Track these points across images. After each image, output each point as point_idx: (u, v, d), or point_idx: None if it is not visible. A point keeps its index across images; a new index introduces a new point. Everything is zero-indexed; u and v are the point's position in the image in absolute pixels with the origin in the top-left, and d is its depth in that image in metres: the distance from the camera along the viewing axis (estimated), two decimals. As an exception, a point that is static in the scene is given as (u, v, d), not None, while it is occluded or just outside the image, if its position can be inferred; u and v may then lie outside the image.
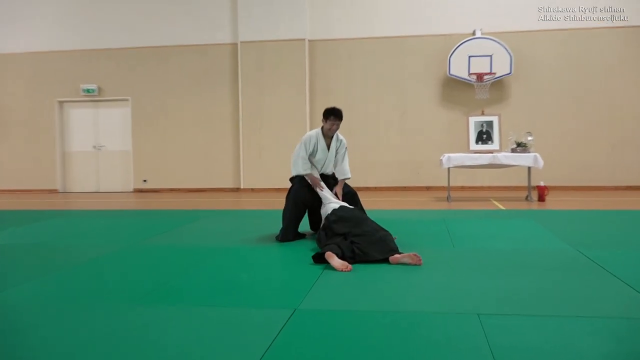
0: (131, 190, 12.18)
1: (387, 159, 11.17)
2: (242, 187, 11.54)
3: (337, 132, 5.41)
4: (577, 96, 10.73)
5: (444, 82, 11.09)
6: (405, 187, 11.12)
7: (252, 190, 11.43)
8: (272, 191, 11.18)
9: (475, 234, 5.49)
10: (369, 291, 3.42)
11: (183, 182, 11.91)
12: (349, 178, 5.42)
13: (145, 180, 12.07)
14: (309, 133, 5.39)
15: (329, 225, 4.57)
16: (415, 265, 4.00)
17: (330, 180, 5.48)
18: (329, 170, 5.53)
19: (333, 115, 5.23)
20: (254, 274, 3.89)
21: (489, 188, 10.97)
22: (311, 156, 5.34)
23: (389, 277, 3.72)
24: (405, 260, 4.04)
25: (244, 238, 5.48)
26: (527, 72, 10.82)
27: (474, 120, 9.12)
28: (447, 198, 9.00)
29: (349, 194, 5.39)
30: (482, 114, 9.25)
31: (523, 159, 8.60)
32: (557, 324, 2.74)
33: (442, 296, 3.27)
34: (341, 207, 4.79)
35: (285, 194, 5.49)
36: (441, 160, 8.85)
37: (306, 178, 5.32)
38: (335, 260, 3.98)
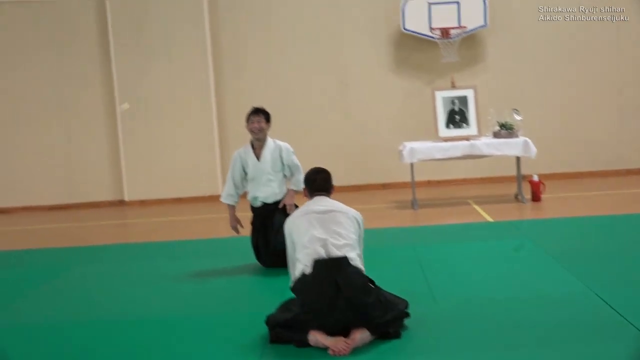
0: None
1: (322, 148, 11.02)
2: (126, 199, 11.25)
3: (275, 139, 6.02)
4: (573, 52, 11.03)
5: (397, 40, 11.10)
6: (352, 187, 11.06)
7: (142, 203, 11.18)
8: (169, 203, 10.97)
9: (460, 272, 5.56)
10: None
11: (38, 196, 11.48)
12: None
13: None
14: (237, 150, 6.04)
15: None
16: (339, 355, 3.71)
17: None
18: (267, 192, 5.97)
19: (250, 113, 5.88)
20: None
21: (464, 181, 11.14)
22: (246, 177, 6.01)
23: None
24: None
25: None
26: (507, 22, 10.98)
27: (442, 97, 9.19)
28: (413, 204, 9.07)
29: None
30: (453, 86, 9.34)
31: (510, 147, 8.76)
32: None
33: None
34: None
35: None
36: (401, 152, 8.87)
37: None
38: (323, 337, 3.80)
